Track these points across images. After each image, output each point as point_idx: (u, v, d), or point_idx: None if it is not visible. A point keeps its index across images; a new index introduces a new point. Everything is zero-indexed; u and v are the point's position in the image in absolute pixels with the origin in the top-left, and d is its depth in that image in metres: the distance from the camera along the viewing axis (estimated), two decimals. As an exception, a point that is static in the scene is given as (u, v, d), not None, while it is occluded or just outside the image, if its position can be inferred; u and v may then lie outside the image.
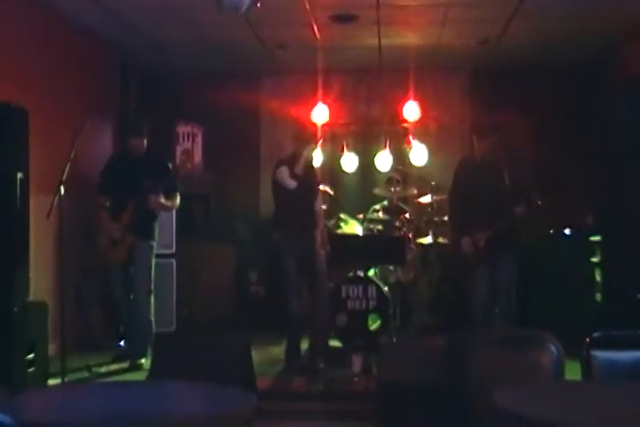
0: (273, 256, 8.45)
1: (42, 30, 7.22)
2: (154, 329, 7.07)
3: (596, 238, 8.27)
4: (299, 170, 7.01)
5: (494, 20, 7.88)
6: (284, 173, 7.10)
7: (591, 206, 8.88)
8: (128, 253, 7.02)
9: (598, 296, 8.17)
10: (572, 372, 3.81)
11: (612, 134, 8.24)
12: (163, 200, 7.05)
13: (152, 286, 7.11)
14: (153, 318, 7.11)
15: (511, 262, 6.91)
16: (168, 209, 7.29)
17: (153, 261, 7.15)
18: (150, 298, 7.10)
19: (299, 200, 7.03)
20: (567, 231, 8.37)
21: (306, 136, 7.14)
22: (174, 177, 7.39)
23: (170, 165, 7.52)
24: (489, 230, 6.73)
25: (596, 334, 3.80)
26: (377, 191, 8.54)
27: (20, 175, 5.59)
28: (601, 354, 3.72)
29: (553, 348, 3.70)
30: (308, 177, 7.03)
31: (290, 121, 9.58)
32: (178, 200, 7.24)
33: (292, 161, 7.09)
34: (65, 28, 7.72)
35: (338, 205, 8.54)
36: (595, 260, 8.22)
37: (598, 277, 8.19)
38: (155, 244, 7.20)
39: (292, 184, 7.07)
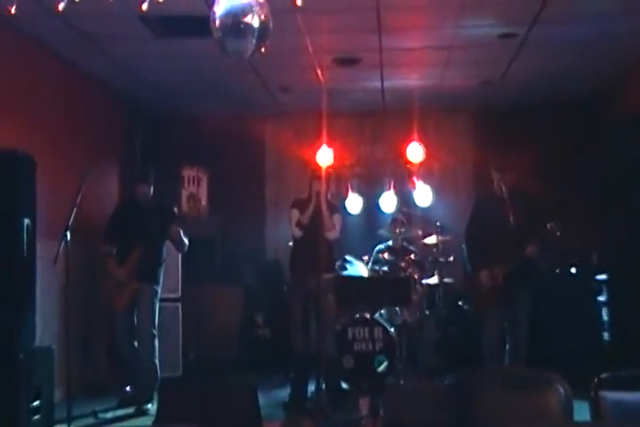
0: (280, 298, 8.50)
1: (47, 77, 7.30)
2: (159, 373, 7.05)
3: (603, 277, 8.25)
4: (305, 219, 7.07)
5: (496, 61, 7.95)
6: (292, 218, 7.21)
7: (596, 245, 8.86)
8: (132, 298, 7.03)
9: (606, 335, 8.12)
10: (581, 413, 3.76)
11: (617, 171, 8.26)
12: (182, 233, 7.07)
13: (156, 331, 7.10)
14: (158, 362, 7.08)
15: (526, 302, 6.93)
16: (182, 244, 7.27)
17: (157, 306, 7.16)
18: (154, 342, 7.08)
19: (305, 246, 7.08)
20: (573, 270, 8.35)
21: (319, 174, 7.23)
22: (181, 222, 7.36)
23: (176, 211, 7.55)
24: (507, 264, 6.75)
25: (604, 375, 3.77)
26: (381, 232, 8.54)
27: (27, 221, 5.61)
28: (610, 395, 3.67)
29: (561, 388, 3.66)
30: (315, 225, 7.04)
31: (295, 164, 9.65)
32: (187, 242, 7.25)
33: (305, 204, 7.15)
34: (70, 75, 7.81)
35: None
36: (602, 299, 8.19)
37: (605, 317, 8.15)
38: (159, 289, 7.20)
39: (297, 234, 7.19)
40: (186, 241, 7.22)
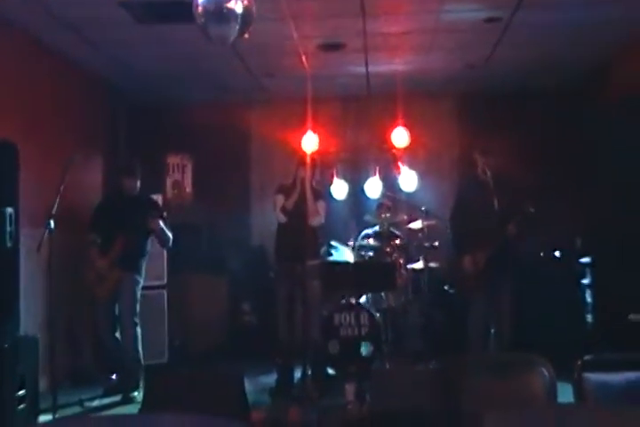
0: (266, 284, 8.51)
1: (29, 65, 7.24)
2: (142, 361, 7.06)
3: (587, 260, 8.29)
4: (289, 205, 7.07)
5: (480, 45, 7.93)
6: (277, 203, 7.21)
7: (580, 229, 8.89)
8: (114, 288, 7.03)
9: (589, 318, 8.18)
10: (565, 395, 3.78)
11: (600, 156, 8.29)
12: (162, 224, 7.07)
13: (137, 319, 7.10)
14: (141, 350, 7.08)
15: (509, 286, 6.97)
16: (165, 238, 7.27)
17: (138, 294, 7.15)
18: (137, 330, 7.08)
19: (290, 232, 7.08)
20: (557, 254, 8.39)
21: (305, 161, 7.24)
22: (165, 216, 7.33)
23: (160, 203, 7.55)
24: (489, 249, 6.78)
25: (587, 357, 3.79)
26: (367, 218, 8.55)
27: (9, 210, 5.58)
28: (593, 376, 3.69)
29: (544, 371, 3.68)
30: (300, 211, 7.05)
31: (280, 150, 9.62)
32: (170, 236, 7.25)
33: (289, 190, 7.15)
34: (52, 62, 7.75)
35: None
36: (585, 282, 8.24)
37: (589, 299, 8.20)
38: (141, 279, 7.21)
39: (281, 219, 7.18)
40: (169, 235, 7.22)
